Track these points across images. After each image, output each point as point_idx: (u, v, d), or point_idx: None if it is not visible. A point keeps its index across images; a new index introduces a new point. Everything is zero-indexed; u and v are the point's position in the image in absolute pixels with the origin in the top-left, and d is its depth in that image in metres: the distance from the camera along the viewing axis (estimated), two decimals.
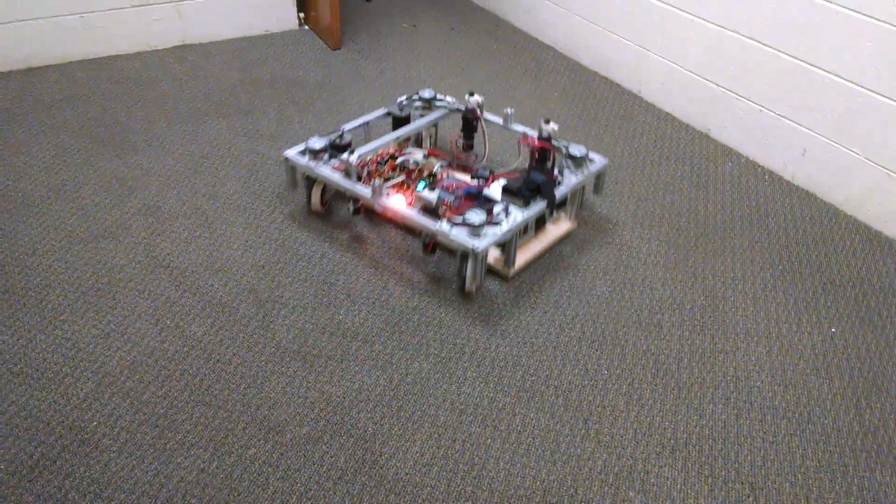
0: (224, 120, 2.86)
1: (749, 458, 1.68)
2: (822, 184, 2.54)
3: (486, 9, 4.02)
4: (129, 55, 3.30)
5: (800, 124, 2.55)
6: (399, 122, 2.53)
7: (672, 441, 1.71)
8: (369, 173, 2.19)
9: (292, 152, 2.29)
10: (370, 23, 3.79)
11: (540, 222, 2.25)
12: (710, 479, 1.63)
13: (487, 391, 1.80)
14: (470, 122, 2.51)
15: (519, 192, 2.10)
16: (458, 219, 1.98)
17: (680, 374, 1.88)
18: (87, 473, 1.58)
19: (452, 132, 2.67)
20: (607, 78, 3.30)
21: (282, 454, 1.63)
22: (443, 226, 1.98)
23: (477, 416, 1.74)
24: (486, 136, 2.52)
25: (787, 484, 1.62)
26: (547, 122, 2.28)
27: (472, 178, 2.21)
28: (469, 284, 2.05)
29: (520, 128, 2.44)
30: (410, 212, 2.06)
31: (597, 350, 1.93)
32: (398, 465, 1.62)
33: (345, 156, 2.18)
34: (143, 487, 1.55)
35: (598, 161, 2.29)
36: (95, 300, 2.01)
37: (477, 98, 2.46)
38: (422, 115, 2.56)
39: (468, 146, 2.56)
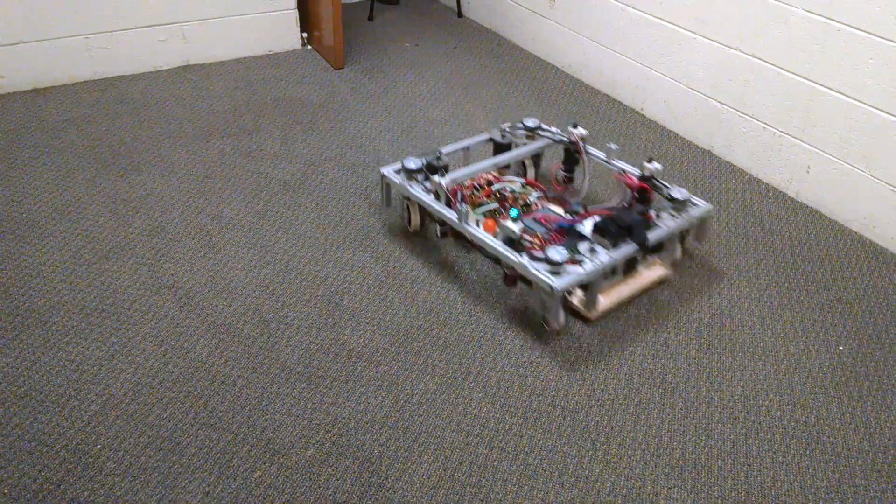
0: (228, 140, 2.87)
1: (759, 478, 1.66)
2: (827, 201, 2.54)
3: (489, 28, 4.04)
4: (134, 76, 3.32)
5: (804, 142, 2.55)
6: (500, 148, 2.51)
7: (681, 462, 1.69)
8: (462, 198, 2.18)
9: (388, 170, 2.31)
10: (373, 42, 3.81)
11: (631, 265, 2.15)
12: (719, 501, 1.61)
13: (494, 412, 1.79)
14: (571, 154, 2.47)
15: (609, 232, 2.02)
16: (540, 254, 1.94)
17: (687, 394, 1.86)
18: (91, 497, 1.56)
19: (554, 163, 2.64)
20: (610, 96, 3.31)
21: (287, 477, 1.62)
22: (523, 259, 1.94)
23: (483, 438, 1.73)
24: (587, 170, 2.44)
25: None
26: (649, 160, 2.23)
27: (566, 212, 2.20)
28: (551, 324, 1.98)
29: (622, 164, 2.37)
30: (493, 241, 2.04)
31: (603, 370, 1.92)
32: (405, 487, 1.61)
33: (436, 178, 2.18)
34: None
35: (701, 206, 2.19)
36: (99, 321, 2.00)
37: (581, 130, 2.42)
38: (524, 144, 2.52)
39: (568, 179, 2.53)
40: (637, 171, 2.30)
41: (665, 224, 2.11)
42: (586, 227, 2.07)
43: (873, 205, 2.39)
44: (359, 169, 2.72)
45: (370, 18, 4.12)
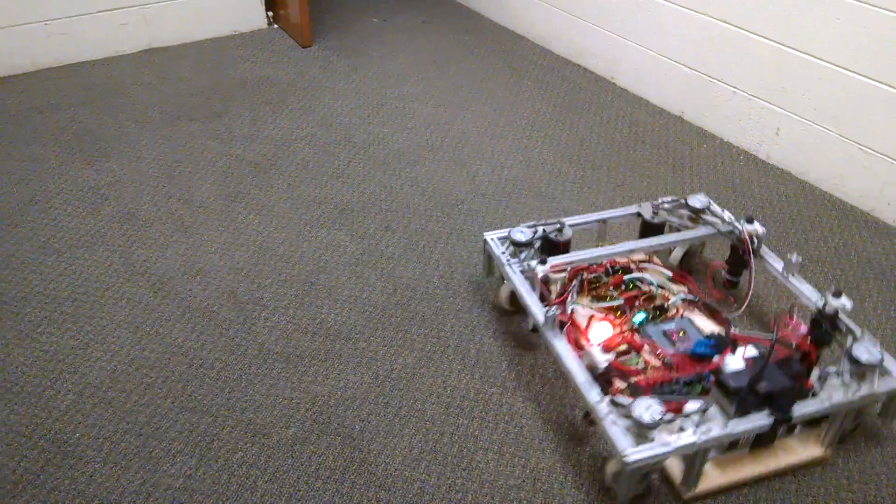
0: (196, 123, 2.83)
1: None
2: (797, 162, 2.56)
3: (458, 1, 4.01)
4: (97, 61, 3.26)
5: (773, 104, 2.56)
6: (649, 228, 1.99)
7: None
8: (582, 285, 1.77)
9: (494, 236, 1.89)
10: (340, 19, 3.77)
11: (769, 437, 1.53)
12: None
13: (474, 383, 1.80)
14: (739, 253, 1.91)
15: (737, 390, 1.44)
16: (626, 401, 1.43)
17: None
18: (73, 486, 1.55)
19: (715, 261, 2.11)
20: (580, 66, 3.30)
21: (269, 456, 1.62)
22: (602, 405, 1.46)
23: (464, 409, 1.74)
24: (753, 280, 1.87)
25: None
26: (837, 295, 1.63)
27: (709, 336, 1.68)
28: (621, 498, 1.50)
29: (799, 283, 1.79)
30: (573, 365, 1.57)
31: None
32: (387, 461, 1.62)
33: (534, 263, 1.74)
34: (129, 497, 1.53)
35: (895, 374, 1.55)
36: (73, 311, 1.98)
37: (757, 227, 1.87)
38: (680, 227, 1.99)
39: (731, 283, 1.99)
40: (814, 303, 1.70)
41: (831, 395, 1.51)
42: (733, 363, 1.53)
43: (842, 164, 2.42)
44: (330, 147, 2.70)
45: None
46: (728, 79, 2.68)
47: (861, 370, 1.51)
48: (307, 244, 2.23)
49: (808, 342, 1.64)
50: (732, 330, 1.75)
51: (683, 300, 1.81)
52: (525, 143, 2.75)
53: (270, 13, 3.62)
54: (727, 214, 1.93)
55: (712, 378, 1.51)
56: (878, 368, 1.52)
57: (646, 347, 1.69)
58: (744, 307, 1.89)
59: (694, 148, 2.73)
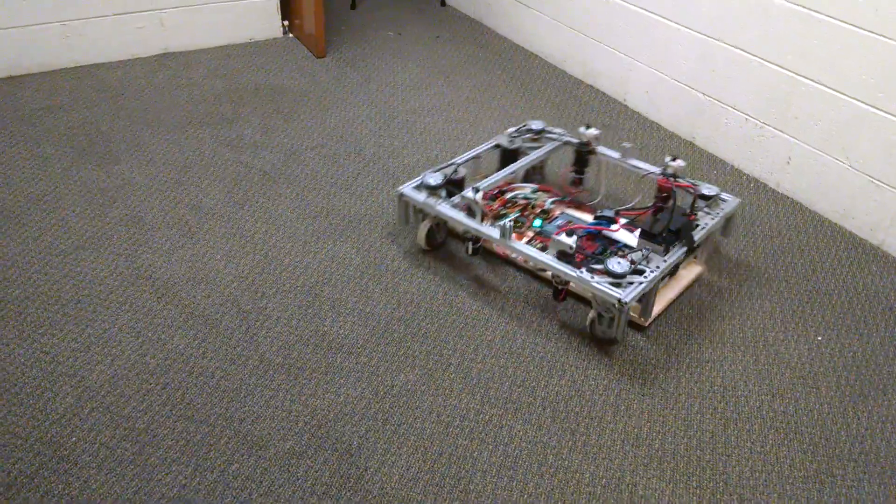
0: (207, 129, 2.84)
1: (737, 468, 1.67)
2: (807, 192, 2.55)
3: (472, 17, 4.02)
4: (112, 64, 3.27)
5: (785, 133, 2.56)
6: (508, 154, 2.42)
7: (660, 452, 1.69)
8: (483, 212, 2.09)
9: (408, 188, 2.17)
10: (355, 31, 3.78)
11: (676, 267, 2.08)
12: (698, 491, 1.62)
13: (474, 403, 1.79)
14: (583, 155, 2.41)
15: (658, 236, 1.94)
16: (597, 266, 1.87)
17: (667, 385, 1.87)
18: (66, 491, 1.54)
19: (564, 166, 2.53)
20: (593, 87, 3.30)
21: (265, 469, 1.61)
22: (582, 274, 1.86)
23: (463, 429, 1.72)
24: (603, 172, 2.35)
25: (776, 495, 1.61)
26: (674, 158, 2.20)
27: (595, 218, 2.13)
28: (617, 336, 1.93)
29: (639, 163, 2.31)
30: (545, 257, 1.95)
31: (583, 361, 1.92)
32: (384, 479, 1.60)
33: (469, 193, 2.08)
34: None
35: (730, 201, 2.19)
36: (75, 313, 1.97)
37: (594, 131, 2.36)
38: (531, 148, 2.43)
39: (579, 181, 2.45)
40: (657, 170, 2.25)
41: (704, 223, 2.08)
42: (624, 234, 2.02)
43: (852, 195, 2.40)
44: (340, 159, 2.70)
45: (353, 7, 4.08)
46: (740, 105, 2.68)
47: (711, 202, 2.15)
48: (312, 255, 2.22)
49: (681, 185, 2.17)
50: (610, 214, 2.15)
51: (555, 201, 2.26)
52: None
53: (286, 22, 3.64)
54: (559, 130, 2.48)
55: (626, 241, 2.07)
56: (718, 198, 2.16)
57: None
58: (601, 195, 2.41)
59: (704, 174, 2.72)
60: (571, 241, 1.93)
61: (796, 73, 2.46)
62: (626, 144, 2.33)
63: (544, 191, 2.30)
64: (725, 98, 2.72)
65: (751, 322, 2.07)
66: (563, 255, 1.96)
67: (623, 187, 2.60)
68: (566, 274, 1.91)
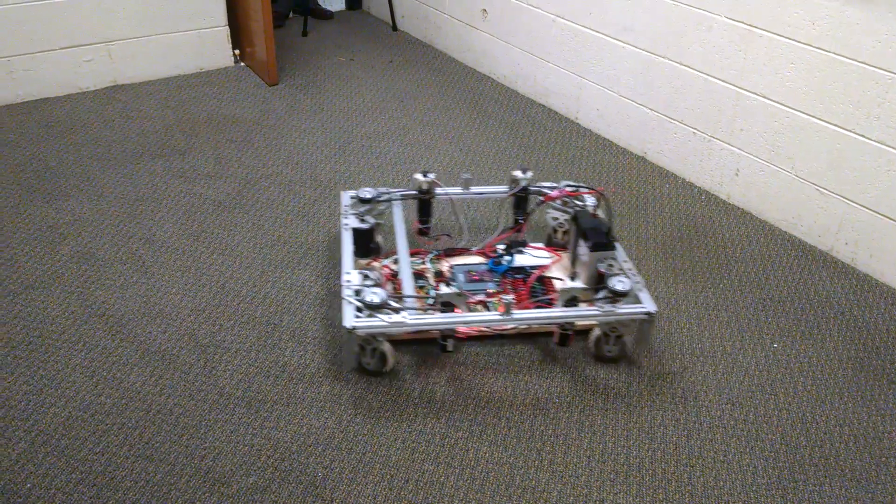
0: (159, 161, 2.80)
1: (702, 479, 1.68)
2: (756, 202, 2.61)
3: (423, 41, 4.05)
4: (59, 98, 3.22)
5: (732, 145, 2.62)
6: (362, 235, 2.13)
7: (625, 466, 1.70)
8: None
9: (354, 320, 1.78)
10: (307, 57, 3.78)
11: None
12: (664, 503, 1.63)
13: (439, 427, 1.78)
14: (426, 203, 2.24)
15: (608, 242, 1.98)
16: (600, 295, 1.88)
17: (630, 398, 1.88)
18: None
19: (413, 223, 2.31)
20: (545, 106, 3.35)
21: None
22: (604, 308, 1.84)
23: (429, 454, 1.71)
24: (457, 210, 2.31)
25: (741, 503, 1.63)
26: (524, 171, 2.19)
27: (503, 254, 2.10)
28: (637, 351, 1.97)
29: (483, 188, 2.28)
30: (561, 311, 1.87)
31: (546, 379, 1.93)
32: None
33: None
34: None
35: (589, 200, 2.22)
36: (27, 354, 1.92)
37: (430, 176, 2.21)
38: (379, 215, 2.23)
39: (426, 231, 2.28)
40: (500, 189, 2.26)
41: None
42: (519, 258, 2.09)
43: (799, 204, 2.47)
44: (296, 186, 2.68)
45: (304, 34, 4.08)
46: (687, 120, 2.74)
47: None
48: (271, 284, 2.20)
49: (569, 193, 2.20)
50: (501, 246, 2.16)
51: (433, 257, 2.18)
52: (490, 181, 2.76)
53: (237, 51, 3.63)
54: (385, 189, 2.26)
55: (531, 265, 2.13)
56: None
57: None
58: (466, 234, 2.34)
59: (656, 188, 2.77)
60: (577, 283, 1.97)
61: (739, 87, 2.52)
62: (465, 175, 2.24)
63: (417, 254, 2.19)
64: (672, 113, 2.78)
65: (708, 332, 2.10)
66: (572, 301, 1.96)
67: (477, 218, 2.54)
68: (590, 316, 1.86)
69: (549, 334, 2.00)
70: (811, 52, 2.29)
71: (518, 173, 2.20)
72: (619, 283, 1.87)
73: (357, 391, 1.86)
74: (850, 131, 2.26)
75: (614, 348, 1.94)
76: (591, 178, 2.81)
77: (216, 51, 3.55)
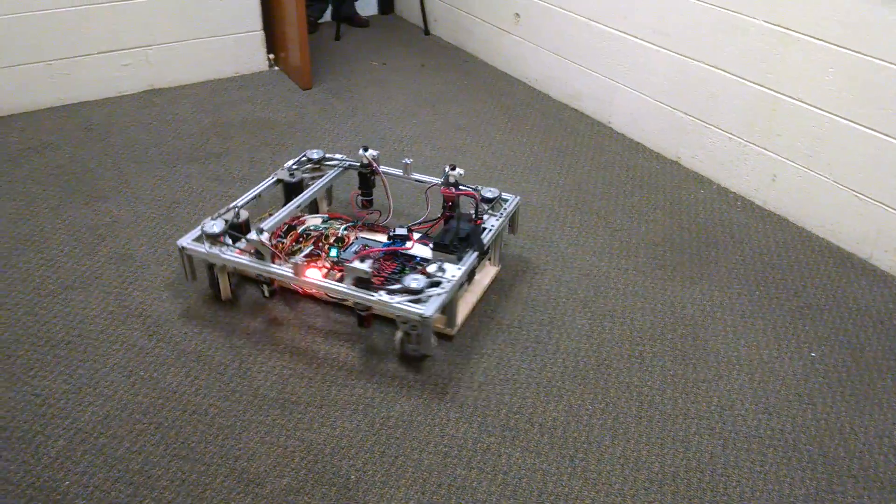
0: (195, 164, 2.84)
1: (738, 489, 1.66)
2: (793, 208, 2.57)
3: (456, 45, 4.06)
4: (98, 101, 3.28)
5: (769, 150, 2.58)
6: (291, 188, 2.34)
7: (659, 475, 1.69)
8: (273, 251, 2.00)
9: (187, 240, 2.03)
10: (340, 62, 3.81)
11: (472, 273, 2.07)
12: None
13: (471, 432, 1.77)
14: (367, 177, 2.37)
15: (450, 246, 2.00)
16: (396, 286, 1.86)
17: (664, 406, 1.86)
18: None
19: (353, 191, 2.45)
20: (577, 110, 3.33)
21: None
22: (382, 296, 1.85)
23: (461, 459, 1.71)
24: (389, 190, 2.33)
25: None
26: (453, 168, 2.17)
27: (389, 237, 2.11)
28: (427, 352, 1.94)
29: (423, 177, 2.35)
30: (343, 286, 1.91)
31: (580, 385, 1.91)
32: None
33: (252, 236, 2.00)
34: None
35: (511, 199, 2.25)
36: (66, 354, 1.96)
37: (372, 152, 2.32)
38: (313, 178, 2.39)
39: (368, 203, 2.41)
40: (437, 181, 2.26)
41: (491, 225, 2.13)
42: (415, 248, 2.06)
43: (838, 210, 2.42)
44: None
45: (337, 38, 4.11)
46: (723, 124, 2.71)
47: (494, 204, 2.22)
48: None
49: (468, 193, 2.19)
50: (403, 231, 2.12)
51: (347, 227, 2.24)
52: (522, 185, 2.76)
53: (272, 55, 3.66)
54: (340, 155, 2.46)
55: (423, 255, 2.08)
56: (500, 199, 2.23)
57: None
58: (390, 214, 2.35)
59: (691, 193, 2.74)
60: (366, 265, 1.90)
61: (777, 91, 2.49)
62: (407, 161, 2.33)
63: (335, 218, 2.29)
64: (707, 118, 2.75)
65: (744, 340, 2.07)
66: (362, 282, 1.92)
67: (413, 203, 2.62)
68: (366, 300, 1.88)
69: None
70: (850, 55, 2.25)
71: (449, 169, 2.18)
72: (413, 282, 1.86)
73: (389, 394, 1.86)
74: (890, 137, 2.22)
75: (418, 347, 1.90)
76: (624, 183, 2.79)
77: (251, 55, 3.59)
